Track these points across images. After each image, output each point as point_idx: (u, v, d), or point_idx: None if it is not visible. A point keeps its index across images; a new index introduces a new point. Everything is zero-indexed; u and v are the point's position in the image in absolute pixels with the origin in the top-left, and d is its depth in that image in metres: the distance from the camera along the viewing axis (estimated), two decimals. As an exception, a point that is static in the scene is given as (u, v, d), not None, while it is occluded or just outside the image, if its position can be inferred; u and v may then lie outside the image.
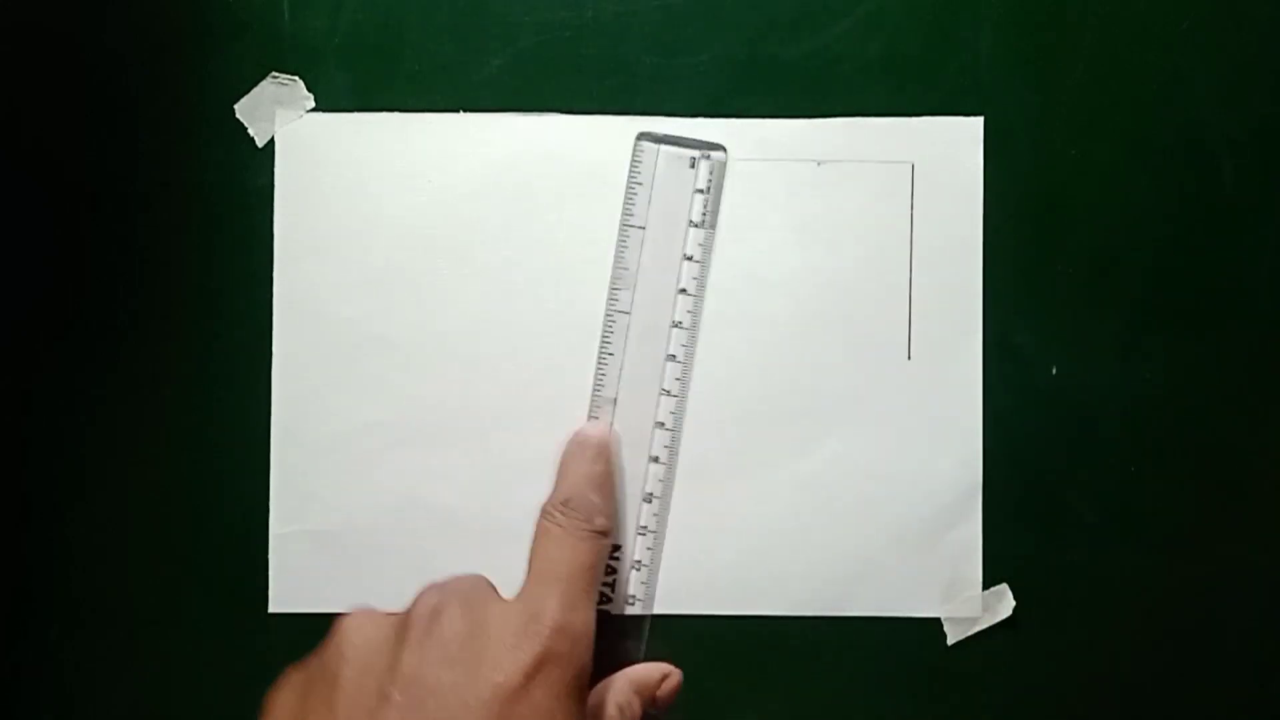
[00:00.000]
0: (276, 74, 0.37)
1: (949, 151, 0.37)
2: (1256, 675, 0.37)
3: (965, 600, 0.36)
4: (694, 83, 0.37)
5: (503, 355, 0.36)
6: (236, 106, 0.37)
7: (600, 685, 0.34)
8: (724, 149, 0.36)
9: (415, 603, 0.31)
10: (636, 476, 0.36)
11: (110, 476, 0.37)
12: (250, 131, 0.37)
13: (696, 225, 0.36)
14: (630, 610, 0.36)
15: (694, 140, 0.36)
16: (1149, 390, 0.37)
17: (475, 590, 0.31)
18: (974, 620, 0.36)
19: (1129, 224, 0.37)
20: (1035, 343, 0.37)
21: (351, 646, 0.29)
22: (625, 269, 0.36)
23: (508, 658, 0.29)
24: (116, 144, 0.37)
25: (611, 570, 0.36)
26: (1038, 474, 0.37)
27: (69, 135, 0.37)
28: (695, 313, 0.36)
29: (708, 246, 0.36)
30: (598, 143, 0.37)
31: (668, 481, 0.36)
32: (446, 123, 0.37)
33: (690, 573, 0.36)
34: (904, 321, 0.37)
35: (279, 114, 0.37)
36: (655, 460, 0.36)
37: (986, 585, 0.37)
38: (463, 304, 0.36)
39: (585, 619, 0.31)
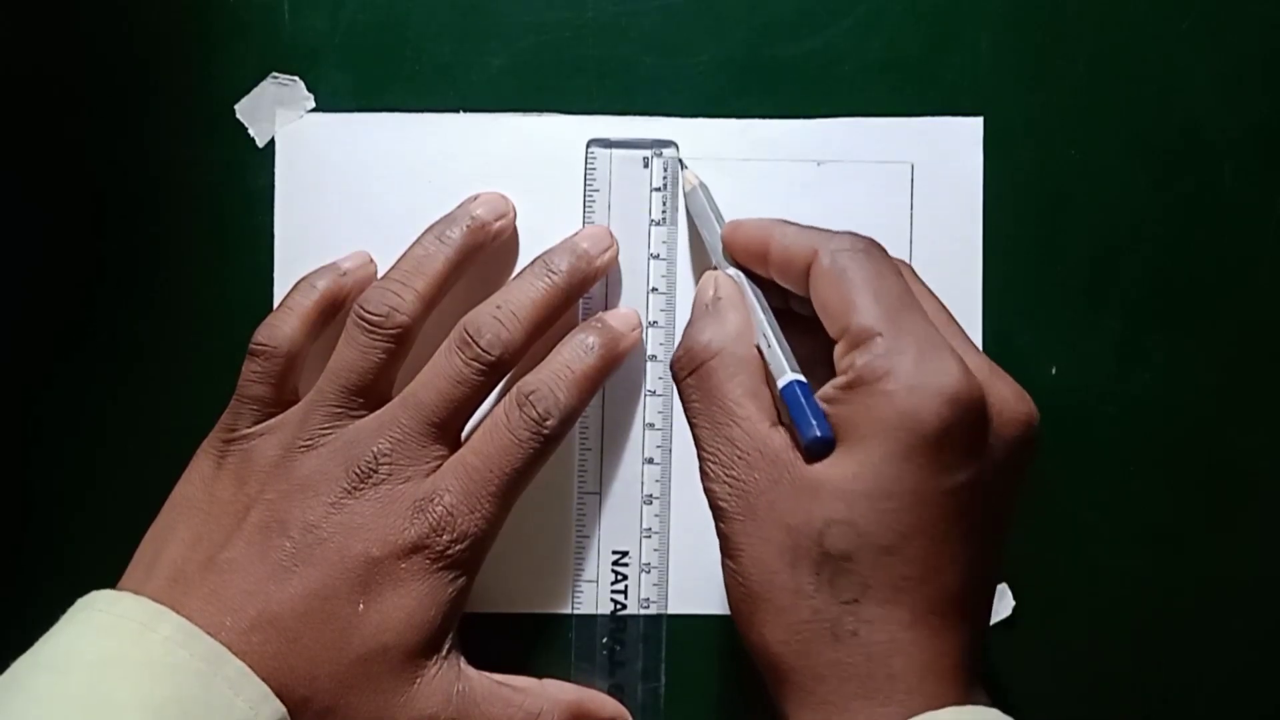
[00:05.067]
0: (276, 74, 0.37)
1: (949, 151, 0.37)
2: (1257, 675, 0.37)
3: (965, 600, 0.36)
4: (694, 83, 0.37)
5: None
6: (236, 106, 0.37)
7: (539, 686, 0.34)
8: (675, 145, 0.36)
9: (375, 431, 0.32)
10: (634, 480, 0.36)
11: (111, 477, 0.37)
12: (250, 131, 0.37)
13: (658, 223, 0.36)
14: (646, 612, 0.36)
15: (644, 140, 0.36)
16: (1148, 390, 0.37)
17: (414, 458, 0.32)
18: (974, 620, 0.36)
19: (1129, 224, 0.37)
20: (1035, 343, 0.37)
21: (282, 476, 0.32)
22: None
23: (388, 532, 0.31)
24: (117, 144, 0.37)
25: (623, 576, 0.36)
26: (1037, 474, 0.37)
27: (69, 135, 0.37)
28: (669, 310, 0.36)
29: (672, 243, 0.36)
30: (598, 143, 0.37)
31: (665, 481, 0.36)
32: (446, 123, 0.37)
33: (692, 572, 0.36)
34: (904, 321, 0.37)
35: (279, 114, 0.37)
36: (650, 462, 0.36)
37: (986, 585, 0.37)
38: (463, 303, 0.35)
39: (478, 519, 0.32)
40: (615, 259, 0.36)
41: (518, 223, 0.36)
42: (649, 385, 0.36)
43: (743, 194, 0.37)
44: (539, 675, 0.34)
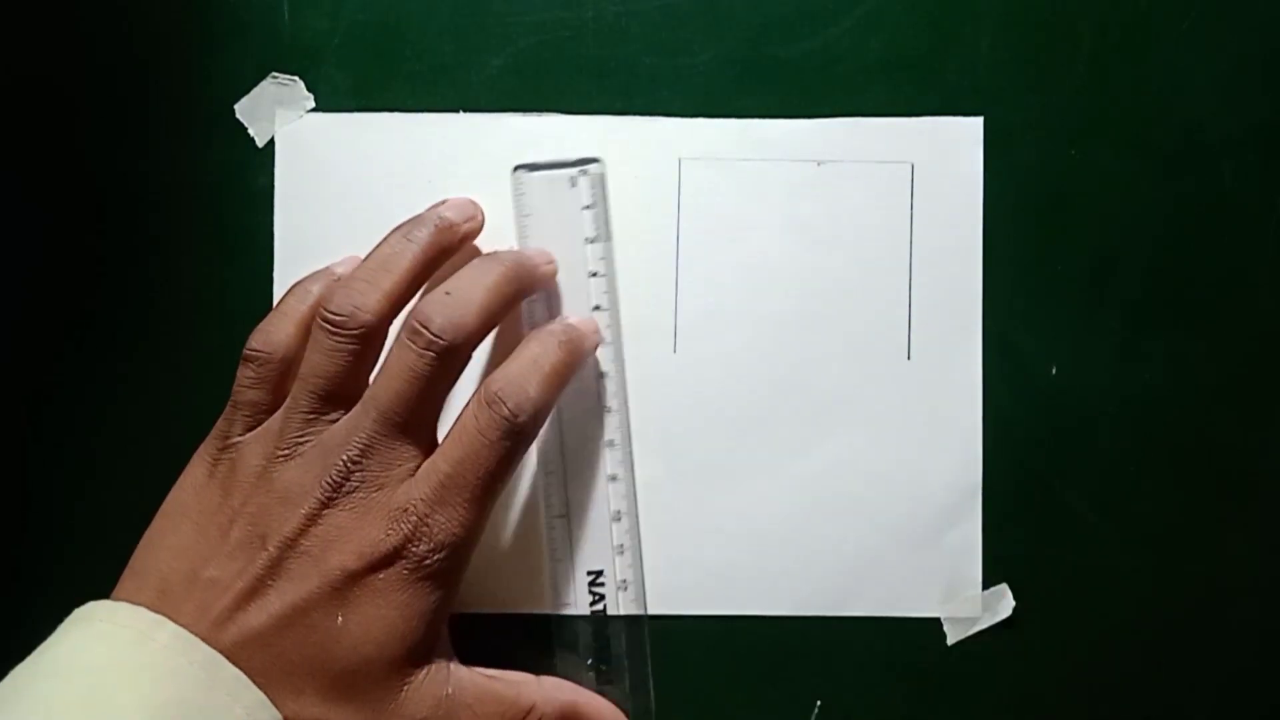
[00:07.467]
0: (276, 74, 0.37)
1: (949, 151, 0.37)
2: (1257, 675, 0.37)
3: (965, 600, 0.36)
4: (694, 83, 0.37)
5: (502, 356, 0.36)
6: (236, 106, 0.37)
7: (535, 682, 0.33)
8: (599, 160, 0.36)
9: (344, 438, 0.31)
10: (600, 499, 0.36)
11: (111, 477, 0.37)
12: (250, 131, 0.37)
13: (593, 240, 0.36)
14: (628, 616, 0.36)
15: (569, 160, 0.36)
16: (1148, 390, 0.37)
17: (386, 463, 0.31)
18: (974, 620, 0.36)
19: (1129, 224, 0.37)
20: (1035, 343, 0.37)
21: (264, 487, 0.32)
22: (535, 300, 0.35)
23: (364, 543, 0.31)
24: (117, 144, 0.37)
25: (600, 596, 0.36)
26: (1038, 474, 0.37)
27: (69, 135, 0.37)
28: (614, 326, 0.36)
29: (609, 259, 0.36)
30: (597, 143, 0.37)
31: (630, 497, 0.36)
32: (446, 123, 0.37)
33: (690, 573, 0.36)
34: (904, 321, 0.37)
35: (279, 114, 0.37)
36: (614, 479, 0.36)
37: (986, 585, 0.37)
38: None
39: (454, 524, 0.31)
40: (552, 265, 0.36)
41: (513, 226, 0.36)
42: (605, 402, 0.36)
43: (743, 194, 0.37)
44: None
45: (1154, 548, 0.37)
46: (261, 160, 0.37)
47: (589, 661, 0.36)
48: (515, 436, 0.32)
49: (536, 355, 0.33)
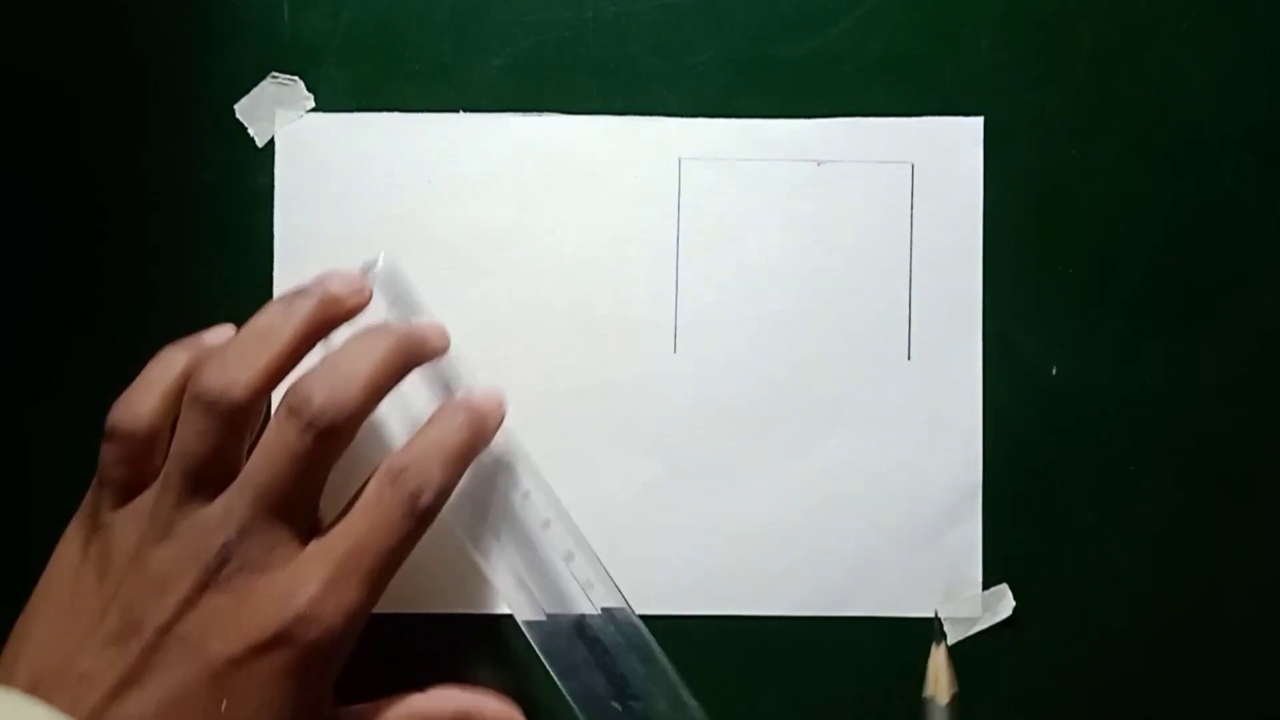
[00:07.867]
0: (276, 74, 0.37)
1: (949, 151, 0.37)
2: (1257, 675, 0.37)
3: (965, 600, 0.36)
4: (694, 83, 0.37)
5: (502, 356, 0.36)
6: (236, 106, 0.37)
7: (422, 698, 0.33)
8: (378, 256, 0.34)
9: (220, 520, 0.30)
10: (546, 547, 0.34)
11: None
12: (250, 131, 0.37)
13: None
14: (630, 649, 0.35)
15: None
16: (1149, 390, 0.37)
17: (266, 544, 0.30)
18: (974, 620, 0.36)
19: (1129, 224, 0.37)
20: (1035, 343, 0.37)
21: (138, 570, 0.30)
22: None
23: (248, 628, 0.29)
24: (117, 144, 0.37)
25: (595, 640, 0.34)
26: (1038, 474, 0.37)
27: (69, 135, 0.37)
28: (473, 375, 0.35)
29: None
30: (598, 143, 0.37)
31: (554, 503, 0.34)
32: (446, 123, 0.37)
33: (690, 573, 0.36)
34: (904, 321, 0.37)
35: (279, 114, 0.37)
36: (548, 525, 0.34)
37: (986, 585, 0.37)
38: (461, 305, 0.36)
39: (347, 606, 0.30)
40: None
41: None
42: (503, 460, 0.34)
43: (743, 194, 0.37)
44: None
45: (1154, 548, 0.37)
46: (261, 160, 0.37)
47: (612, 697, 0.34)
48: (417, 518, 0.31)
49: (440, 438, 0.32)
